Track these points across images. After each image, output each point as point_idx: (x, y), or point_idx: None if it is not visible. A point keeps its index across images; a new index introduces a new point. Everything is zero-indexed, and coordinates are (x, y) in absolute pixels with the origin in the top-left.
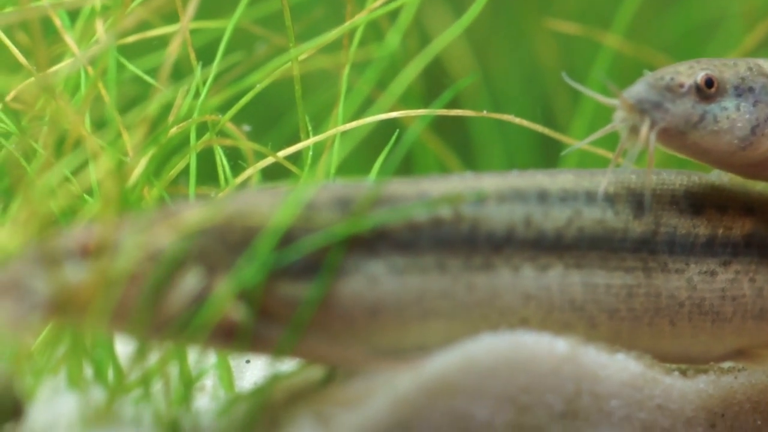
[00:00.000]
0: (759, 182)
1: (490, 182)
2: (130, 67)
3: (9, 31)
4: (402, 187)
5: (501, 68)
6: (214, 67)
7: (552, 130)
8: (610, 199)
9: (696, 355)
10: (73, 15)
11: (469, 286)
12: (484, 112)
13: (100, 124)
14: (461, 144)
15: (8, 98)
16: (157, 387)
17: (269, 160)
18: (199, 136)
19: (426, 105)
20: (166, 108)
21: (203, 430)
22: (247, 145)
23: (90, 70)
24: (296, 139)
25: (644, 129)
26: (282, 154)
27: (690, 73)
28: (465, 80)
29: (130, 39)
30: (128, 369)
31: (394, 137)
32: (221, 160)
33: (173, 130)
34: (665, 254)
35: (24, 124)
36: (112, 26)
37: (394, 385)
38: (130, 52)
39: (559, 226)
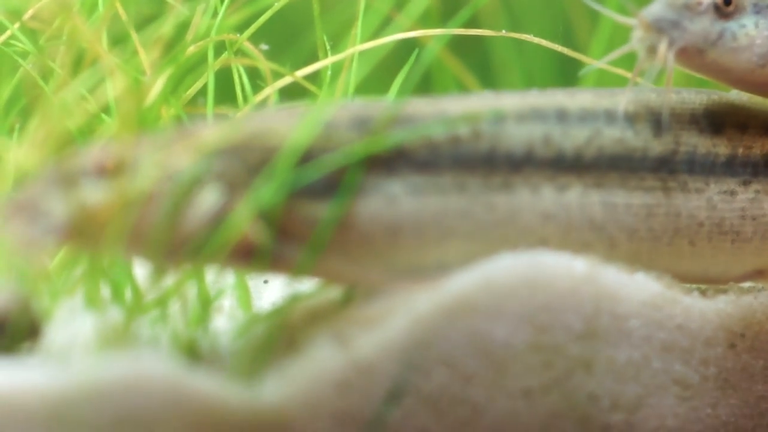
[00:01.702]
0: None
1: (509, 101)
2: None
3: None
4: (420, 106)
5: None
6: None
7: (571, 49)
8: (630, 118)
9: (715, 276)
10: None
11: (488, 205)
12: (503, 31)
13: (117, 43)
14: (480, 63)
15: (25, 17)
16: (174, 307)
17: (287, 80)
18: (216, 55)
19: (444, 24)
20: (184, 27)
21: (221, 351)
22: (265, 65)
23: None
24: (314, 59)
25: (662, 48)
26: (300, 73)
27: None
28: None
29: None
30: (146, 289)
31: (412, 57)
32: (239, 80)
33: (191, 49)
34: (685, 174)
35: (41, 43)
36: None
37: (413, 304)
38: None
39: (579, 146)
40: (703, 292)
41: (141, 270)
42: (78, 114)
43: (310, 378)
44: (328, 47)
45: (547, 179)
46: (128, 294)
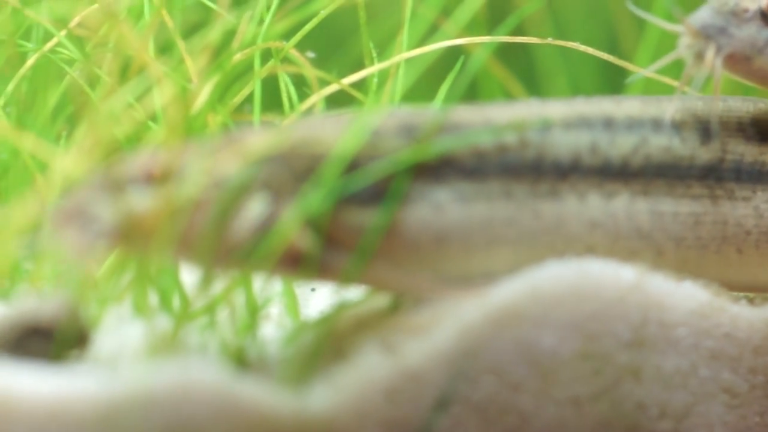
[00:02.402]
0: None
1: (556, 109)
2: None
3: None
4: (467, 113)
5: None
6: None
7: (617, 57)
8: (677, 126)
9: (763, 284)
10: None
11: (535, 213)
12: (549, 39)
13: (163, 50)
14: (526, 71)
15: (72, 24)
16: (222, 315)
17: (334, 87)
18: (263, 62)
19: (491, 32)
20: (230, 34)
21: (269, 358)
22: (311, 72)
23: None
24: (361, 66)
25: (709, 55)
26: (346, 80)
27: None
28: (530, 7)
29: None
30: (194, 297)
31: (458, 64)
32: (286, 87)
33: (237, 57)
34: (732, 182)
35: (88, 50)
36: None
37: (460, 313)
38: None
39: (626, 153)
40: (750, 301)
41: (189, 277)
42: (125, 121)
43: (359, 386)
44: (374, 55)
45: (594, 187)
46: (176, 301)
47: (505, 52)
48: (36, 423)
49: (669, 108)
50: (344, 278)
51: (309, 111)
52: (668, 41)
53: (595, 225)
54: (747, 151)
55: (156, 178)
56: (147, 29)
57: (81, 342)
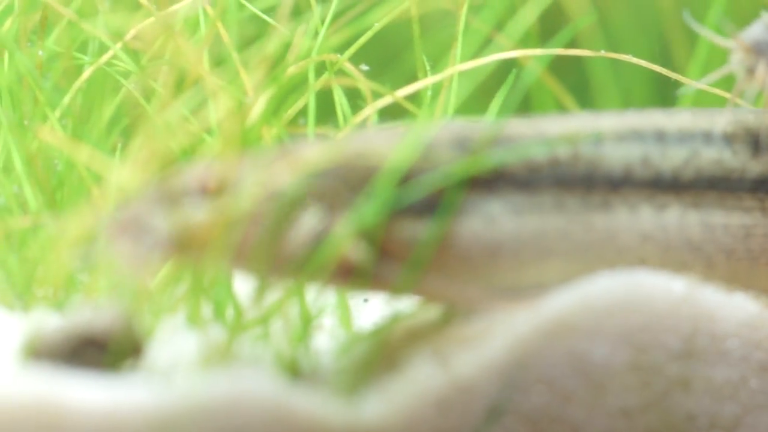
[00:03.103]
0: None
1: (608, 122)
2: (249, 6)
3: None
4: (520, 126)
5: (618, 8)
6: (333, 7)
7: (668, 70)
8: (728, 139)
9: None
10: None
11: (587, 225)
12: (602, 51)
13: (219, 63)
14: (578, 84)
15: (128, 37)
16: (276, 326)
17: (387, 100)
18: (317, 75)
19: (543, 45)
20: (285, 47)
21: (322, 369)
22: (365, 85)
23: (209, 9)
24: (414, 79)
25: (761, 70)
26: (400, 93)
27: None
28: (582, 20)
29: None
30: (247, 308)
31: (511, 77)
32: (339, 100)
33: (292, 70)
34: None
35: (144, 63)
36: None
37: (512, 324)
38: None
39: (677, 166)
40: None
41: (243, 288)
42: (180, 134)
43: (411, 396)
44: (428, 67)
45: (646, 199)
46: (230, 312)
47: (557, 65)
48: None
49: (720, 121)
50: (397, 289)
51: (363, 123)
52: (720, 54)
53: (647, 237)
54: None
55: (211, 190)
56: (203, 42)
57: (135, 353)
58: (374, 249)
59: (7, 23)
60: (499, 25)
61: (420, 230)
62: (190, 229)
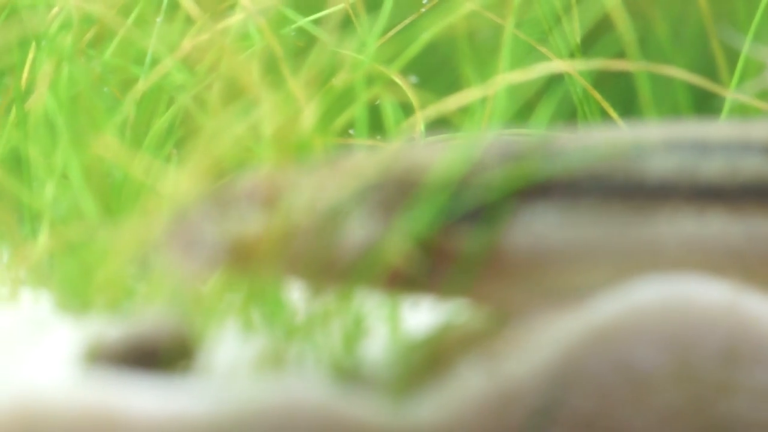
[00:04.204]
0: None
1: (651, 133)
2: (300, 19)
3: None
4: (566, 138)
5: (661, 20)
6: (382, 19)
7: (712, 82)
8: (767, 149)
9: None
10: None
11: (631, 235)
12: (645, 64)
13: (271, 75)
14: (623, 96)
15: (182, 50)
16: (328, 332)
17: (436, 111)
18: (367, 87)
19: (588, 57)
20: (335, 59)
21: (373, 375)
22: (414, 96)
23: (261, 22)
24: (462, 91)
25: None
26: (448, 105)
27: None
28: (626, 32)
29: None
30: (300, 314)
31: (558, 89)
32: (389, 111)
33: (342, 81)
34: None
35: (197, 75)
36: None
37: (559, 331)
38: (299, 4)
39: (719, 176)
40: None
41: (295, 295)
42: (233, 144)
43: (461, 402)
44: (475, 79)
45: (688, 208)
46: (283, 319)
47: (602, 78)
48: None
49: (762, 131)
50: (447, 295)
51: (412, 134)
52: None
53: (690, 246)
54: None
55: (264, 200)
56: (255, 54)
57: (187, 359)
58: (425, 257)
59: (65, 37)
60: (546, 38)
61: (470, 238)
62: (243, 238)
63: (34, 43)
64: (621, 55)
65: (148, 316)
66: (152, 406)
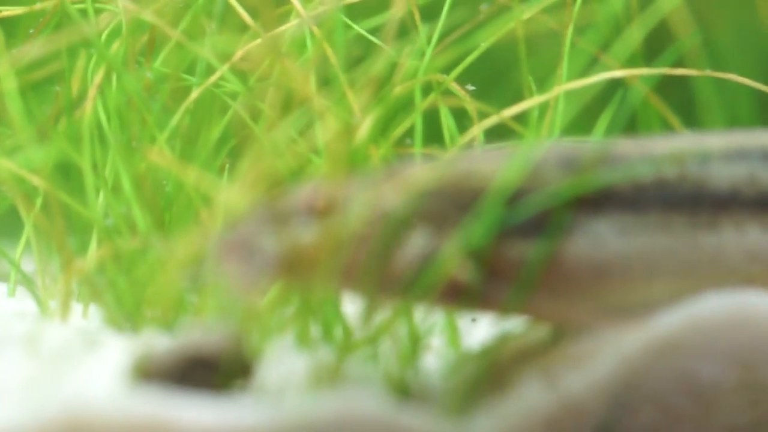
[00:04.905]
0: None
1: (714, 141)
2: (355, 26)
3: None
4: (627, 146)
5: (723, 27)
6: (439, 27)
7: None
8: None
9: None
10: None
11: (694, 244)
12: (707, 71)
13: (325, 84)
14: (684, 103)
15: (235, 58)
16: (384, 346)
17: (494, 120)
18: (424, 95)
19: (649, 65)
20: (392, 67)
21: (431, 389)
22: (471, 105)
23: (316, 30)
24: (520, 99)
25: None
26: (506, 113)
27: None
28: (687, 39)
29: None
30: (356, 328)
31: (617, 97)
32: (446, 120)
33: (398, 90)
34: None
35: (251, 84)
36: None
37: (620, 344)
38: (355, 11)
39: None
40: None
41: (351, 308)
42: (288, 154)
43: (520, 416)
44: (534, 87)
45: (753, 218)
46: (338, 333)
47: (663, 85)
48: None
49: None
50: (505, 309)
51: (469, 144)
52: None
53: (754, 256)
54: None
55: (319, 211)
56: (309, 63)
57: (245, 373)
58: (482, 269)
59: (115, 45)
60: (605, 45)
61: (528, 250)
62: (298, 250)
63: (83, 51)
64: (682, 61)
65: (202, 330)
66: (204, 417)
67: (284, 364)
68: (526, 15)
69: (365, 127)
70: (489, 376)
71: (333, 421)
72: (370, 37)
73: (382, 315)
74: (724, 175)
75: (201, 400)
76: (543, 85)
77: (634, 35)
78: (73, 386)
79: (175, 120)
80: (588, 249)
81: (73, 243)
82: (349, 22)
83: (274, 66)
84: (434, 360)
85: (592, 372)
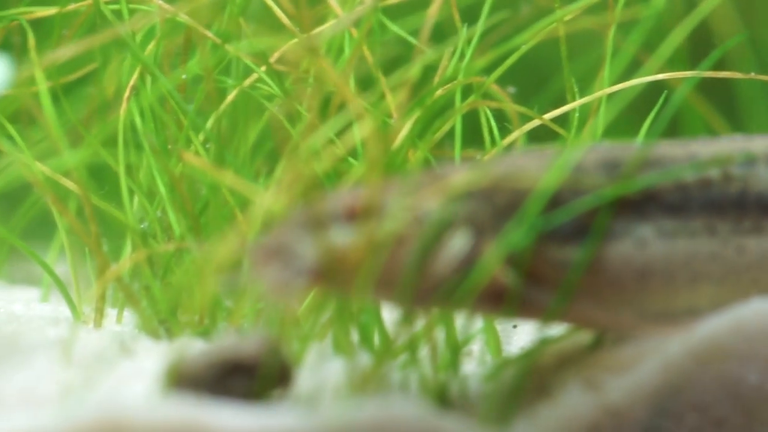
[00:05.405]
0: None
1: (760, 144)
2: (394, 27)
3: None
4: (670, 149)
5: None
6: (479, 28)
7: None
8: None
9: None
10: None
11: (739, 249)
12: (752, 73)
13: (364, 86)
14: (728, 106)
15: (272, 59)
16: (423, 352)
17: (535, 123)
18: (463, 97)
19: (692, 67)
20: (430, 69)
21: (471, 395)
22: (512, 107)
23: (353, 31)
24: (562, 101)
25: None
26: (548, 116)
27: None
28: (731, 41)
29: None
30: (395, 334)
31: (661, 99)
32: (486, 122)
33: (438, 92)
34: None
35: (288, 85)
36: None
37: (664, 349)
38: (393, 12)
39: None
40: None
41: (389, 314)
42: (325, 157)
43: (561, 422)
44: (576, 90)
45: None
46: (377, 338)
47: (707, 87)
48: None
49: None
50: (546, 315)
51: (510, 146)
52: None
53: None
54: None
55: (358, 215)
56: (347, 64)
57: (283, 379)
58: (522, 274)
59: (150, 46)
60: (648, 46)
61: (569, 254)
62: (337, 255)
63: (118, 53)
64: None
65: (238, 336)
66: (243, 420)
67: (322, 369)
68: (568, 16)
69: (404, 129)
70: (530, 381)
71: (372, 425)
72: (409, 38)
73: (421, 320)
74: None
75: (238, 406)
76: (585, 87)
77: (677, 37)
78: (107, 392)
79: (210, 122)
80: (630, 253)
81: (107, 247)
82: (387, 22)
83: (311, 67)
84: (474, 366)
85: (635, 378)
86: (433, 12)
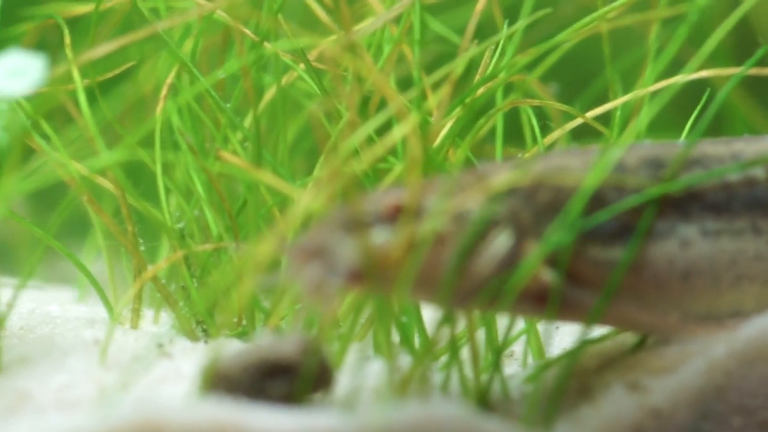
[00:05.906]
0: None
1: None
2: (435, 25)
3: None
4: (714, 147)
5: None
6: (520, 26)
7: None
8: None
9: None
10: None
11: None
12: None
13: (404, 84)
14: None
15: (311, 57)
16: (464, 353)
17: (577, 121)
18: (505, 95)
19: (737, 64)
20: (472, 67)
21: (512, 397)
22: (554, 106)
23: (393, 28)
24: (605, 99)
25: None
26: (590, 114)
27: None
28: None
29: None
30: (435, 335)
31: (704, 97)
32: (528, 121)
33: (479, 90)
34: None
35: (327, 83)
36: None
37: (708, 351)
38: (434, 9)
39: None
40: None
41: (430, 314)
42: (365, 156)
43: (604, 424)
44: (618, 88)
45: None
46: (418, 339)
47: (752, 85)
48: None
49: None
50: (588, 316)
51: (552, 145)
52: None
53: None
54: None
55: (398, 215)
56: (387, 62)
57: (323, 380)
58: (563, 273)
59: (188, 44)
60: (692, 43)
61: (611, 254)
62: (377, 255)
63: (154, 50)
64: None
65: (276, 337)
66: (282, 420)
67: (363, 371)
68: (612, 13)
69: (445, 128)
70: (572, 383)
71: (413, 427)
72: (451, 35)
73: (462, 321)
74: None
75: (276, 406)
76: (628, 85)
77: (722, 34)
78: (144, 393)
79: (249, 121)
80: (674, 253)
81: (144, 247)
82: (429, 19)
83: (351, 66)
84: (516, 367)
85: (678, 379)
86: (479, 8)
